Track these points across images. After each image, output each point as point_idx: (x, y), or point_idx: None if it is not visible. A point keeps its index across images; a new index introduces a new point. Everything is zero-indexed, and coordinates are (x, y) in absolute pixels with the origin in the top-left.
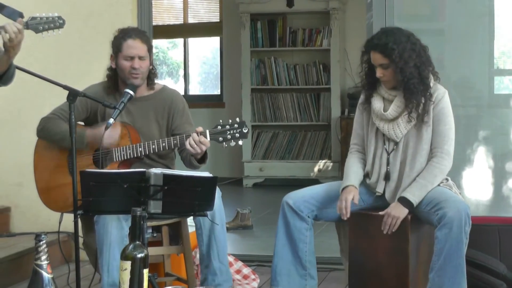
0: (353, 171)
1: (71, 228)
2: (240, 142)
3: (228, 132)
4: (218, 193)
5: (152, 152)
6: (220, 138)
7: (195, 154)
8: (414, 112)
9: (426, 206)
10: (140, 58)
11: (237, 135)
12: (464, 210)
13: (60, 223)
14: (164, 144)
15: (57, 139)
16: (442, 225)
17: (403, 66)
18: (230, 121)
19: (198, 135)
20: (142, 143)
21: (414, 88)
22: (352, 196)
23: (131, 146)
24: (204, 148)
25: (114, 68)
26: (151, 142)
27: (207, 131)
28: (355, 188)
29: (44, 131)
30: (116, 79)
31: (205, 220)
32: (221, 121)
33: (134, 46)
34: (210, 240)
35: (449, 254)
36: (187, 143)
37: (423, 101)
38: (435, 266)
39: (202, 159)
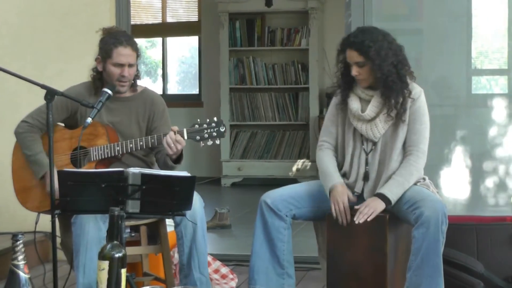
0: (331, 165)
1: (48, 228)
2: (217, 141)
3: (206, 131)
4: (200, 203)
5: (130, 151)
6: (197, 137)
7: (170, 154)
8: (393, 111)
9: (403, 205)
10: (130, 65)
11: (214, 134)
12: (440, 209)
13: (36, 223)
14: (141, 143)
15: (27, 155)
16: (419, 224)
17: (381, 63)
18: (208, 120)
19: (175, 134)
20: (119, 143)
21: (393, 85)
22: (347, 196)
23: (108, 145)
24: (180, 147)
25: (100, 71)
26: (128, 141)
27: (185, 130)
28: (344, 186)
29: (20, 140)
30: (101, 81)
31: (187, 230)
32: (198, 120)
33: (125, 54)
34: (191, 251)
35: (426, 253)
36: (164, 141)
37: (401, 99)
38: (413, 265)
39: (177, 159)
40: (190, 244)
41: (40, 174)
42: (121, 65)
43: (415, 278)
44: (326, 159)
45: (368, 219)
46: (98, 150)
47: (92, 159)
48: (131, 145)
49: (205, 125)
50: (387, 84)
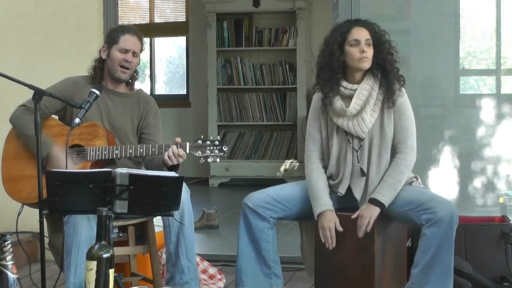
0: (322, 187)
1: (36, 228)
2: (218, 160)
3: (208, 148)
4: (187, 192)
5: (128, 156)
6: (199, 152)
7: (169, 165)
8: (381, 94)
9: (404, 206)
10: (134, 54)
11: (216, 151)
12: (453, 209)
13: (19, 214)
14: (141, 150)
15: (25, 135)
16: (431, 223)
17: (386, 50)
18: (211, 137)
19: (177, 147)
20: (118, 146)
21: (392, 69)
22: (334, 224)
23: (107, 147)
24: (181, 160)
25: (103, 60)
26: (128, 146)
27: (187, 144)
28: (332, 212)
29: (18, 120)
30: (102, 70)
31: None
32: (202, 136)
33: (131, 41)
34: (178, 238)
35: (438, 252)
36: (165, 154)
37: (397, 85)
38: (421, 262)
39: (173, 167)
40: (177, 232)
41: (44, 153)
42: (126, 51)
43: (423, 275)
44: (315, 174)
45: (368, 230)
46: (96, 151)
47: (89, 159)
48: (130, 151)
49: (208, 142)
50: (386, 68)
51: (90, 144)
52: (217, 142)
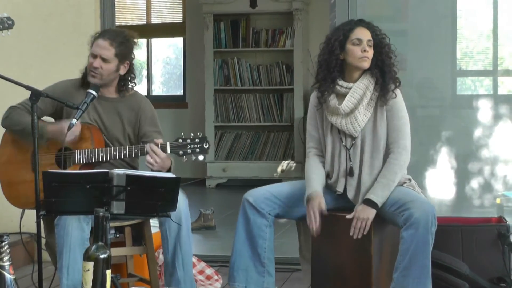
0: (314, 174)
1: (33, 229)
2: (201, 157)
3: (189, 146)
4: (184, 200)
5: (113, 158)
6: (180, 152)
7: (154, 169)
8: (375, 94)
9: (390, 207)
10: (103, 59)
11: (198, 150)
12: (430, 210)
13: (21, 218)
14: (125, 151)
15: (18, 130)
16: (408, 225)
17: (386, 52)
18: (192, 135)
19: (158, 147)
20: (103, 149)
21: (389, 70)
22: (318, 204)
23: (92, 150)
24: (158, 159)
25: None
26: (112, 148)
27: (168, 144)
28: (319, 195)
29: (8, 119)
30: None
31: (171, 228)
32: (182, 134)
33: (100, 46)
34: (175, 249)
35: (414, 254)
36: (147, 157)
37: (392, 86)
38: (400, 266)
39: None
40: (174, 243)
41: (43, 139)
42: (94, 56)
43: (402, 278)
44: (310, 165)
45: (364, 233)
46: (82, 154)
47: (77, 162)
48: (115, 153)
49: (188, 140)
50: (384, 70)
51: (77, 147)
52: (197, 140)
